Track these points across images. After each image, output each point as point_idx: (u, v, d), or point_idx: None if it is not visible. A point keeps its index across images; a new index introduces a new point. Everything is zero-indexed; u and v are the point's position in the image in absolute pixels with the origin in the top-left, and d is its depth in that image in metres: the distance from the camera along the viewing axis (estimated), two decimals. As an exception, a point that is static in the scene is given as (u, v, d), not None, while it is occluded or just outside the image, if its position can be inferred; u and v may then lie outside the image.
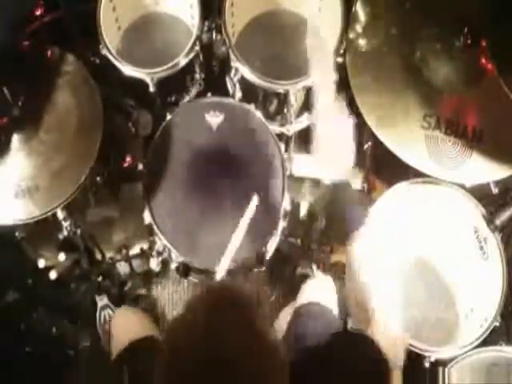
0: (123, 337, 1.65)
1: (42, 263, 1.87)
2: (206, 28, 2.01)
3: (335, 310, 1.93)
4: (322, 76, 1.72)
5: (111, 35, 2.00)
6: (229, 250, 1.69)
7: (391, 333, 1.47)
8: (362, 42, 1.87)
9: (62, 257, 1.79)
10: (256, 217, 1.77)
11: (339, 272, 2.19)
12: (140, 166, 1.92)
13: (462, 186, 1.84)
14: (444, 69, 1.81)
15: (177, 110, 1.91)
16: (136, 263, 2.16)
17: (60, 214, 1.86)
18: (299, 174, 2.08)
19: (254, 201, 1.73)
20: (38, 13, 2.17)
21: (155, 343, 1.59)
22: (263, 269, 1.92)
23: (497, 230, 1.78)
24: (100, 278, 2.11)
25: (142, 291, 2.29)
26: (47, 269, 1.88)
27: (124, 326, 1.82)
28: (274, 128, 2.05)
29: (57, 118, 1.78)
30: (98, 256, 2.11)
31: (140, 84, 1.94)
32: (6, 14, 2.01)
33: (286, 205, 1.84)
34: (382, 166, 2.17)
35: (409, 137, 1.77)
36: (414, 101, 1.79)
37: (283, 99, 1.96)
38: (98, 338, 2.13)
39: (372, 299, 1.61)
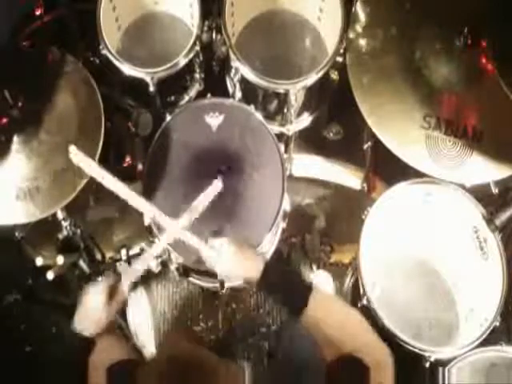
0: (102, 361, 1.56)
1: (39, 261, 1.86)
2: (205, 28, 2.01)
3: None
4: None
5: (111, 35, 1.99)
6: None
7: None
8: (362, 41, 1.87)
9: (60, 260, 1.79)
10: (256, 217, 1.77)
11: (339, 272, 2.20)
12: (140, 166, 1.92)
13: (462, 186, 1.84)
14: (444, 69, 1.81)
15: (176, 110, 1.91)
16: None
17: (60, 214, 1.86)
18: (299, 174, 2.08)
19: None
20: (37, 13, 2.17)
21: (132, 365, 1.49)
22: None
23: (497, 230, 1.77)
24: (100, 278, 2.10)
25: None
26: (46, 268, 1.88)
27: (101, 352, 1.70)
28: (274, 128, 2.05)
29: (57, 118, 1.77)
30: (98, 256, 2.11)
31: (140, 84, 1.94)
32: (5, 14, 2.01)
33: (285, 205, 1.84)
34: (382, 166, 2.17)
35: (409, 137, 1.77)
36: (414, 101, 1.79)
37: (283, 99, 1.96)
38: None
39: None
